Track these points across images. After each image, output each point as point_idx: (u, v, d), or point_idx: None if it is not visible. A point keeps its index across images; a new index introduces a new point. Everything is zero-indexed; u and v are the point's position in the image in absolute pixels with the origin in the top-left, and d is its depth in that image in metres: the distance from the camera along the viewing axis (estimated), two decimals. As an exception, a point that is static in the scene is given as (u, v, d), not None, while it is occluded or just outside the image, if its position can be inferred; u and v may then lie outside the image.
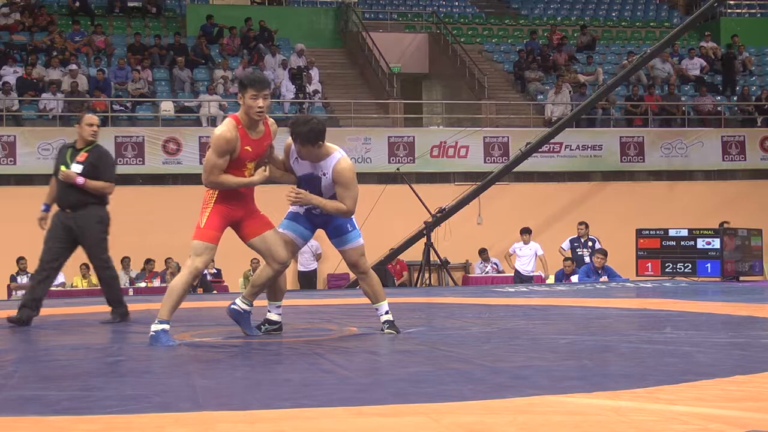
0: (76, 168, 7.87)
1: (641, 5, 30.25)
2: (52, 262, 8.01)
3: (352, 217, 6.67)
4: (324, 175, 6.37)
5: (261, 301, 6.87)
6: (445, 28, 25.89)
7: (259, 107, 6.08)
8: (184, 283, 6.19)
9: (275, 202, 7.38)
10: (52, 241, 8.00)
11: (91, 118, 8.04)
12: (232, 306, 6.58)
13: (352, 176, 6.40)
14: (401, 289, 16.08)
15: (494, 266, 18.81)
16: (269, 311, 6.79)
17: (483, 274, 18.74)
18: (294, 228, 6.63)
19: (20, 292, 17.01)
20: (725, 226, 16.03)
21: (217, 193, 6.20)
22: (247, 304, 6.58)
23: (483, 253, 18.83)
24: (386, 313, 6.71)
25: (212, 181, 6.15)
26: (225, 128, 6.10)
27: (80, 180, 7.83)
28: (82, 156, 7.94)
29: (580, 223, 16.62)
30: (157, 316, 6.17)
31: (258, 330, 6.67)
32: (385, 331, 6.64)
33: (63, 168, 7.88)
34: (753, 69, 25.99)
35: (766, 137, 22.60)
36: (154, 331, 6.12)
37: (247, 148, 6.16)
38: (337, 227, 6.66)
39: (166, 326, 6.14)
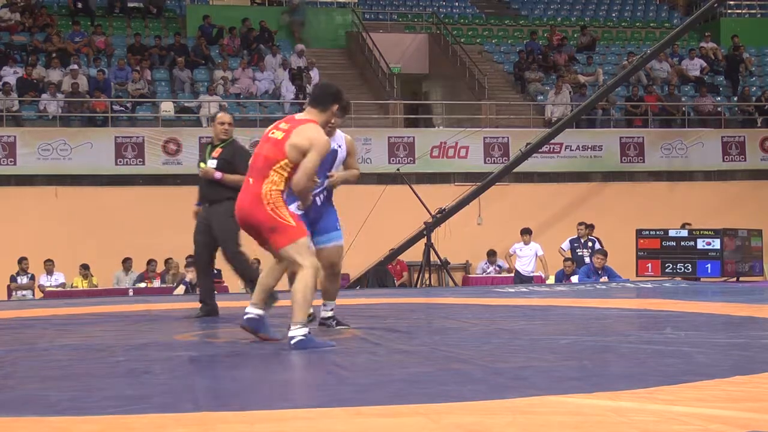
0: (212, 164, 8.24)
1: (641, 6, 30.24)
2: (200, 255, 8.44)
3: (337, 217, 6.92)
4: (339, 147, 6.80)
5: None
6: (445, 28, 25.88)
7: (332, 123, 6.53)
8: (313, 283, 5.93)
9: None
10: (197, 235, 8.42)
11: (222, 116, 8.43)
12: (246, 316, 6.26)
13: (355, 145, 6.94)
14: (401, 289, 16.08)
15: (497, 268, 18.82)
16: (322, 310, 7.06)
17: (483, 274, 18.75)
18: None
19: (21, 293, 17.03)
20: (687, 227, 16.07)
21: (280, 192, 5.96)
22: (260, 308, 6.29)
23: (492, 255, 18.83)
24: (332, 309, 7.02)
25: (309, 186, 6.06)
26: (323, 132, 6.06)
27: (218, 175, 8.18)
28: (217, 152, 8.31)
29: (580, 224, 16.63)
30: (292, 321, 5.89)
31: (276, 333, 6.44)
32: (336, 327, 6.94)
33: (202, 165, 8.34)
34: (753, 69, 25.98)
35: (766, 138, 22.59)
36: (297, 340, 5.81)
37: None
38: (326, 225, 6.84)
39: (306, 330, 5.88)
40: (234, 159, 8.20)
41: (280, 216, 5.90)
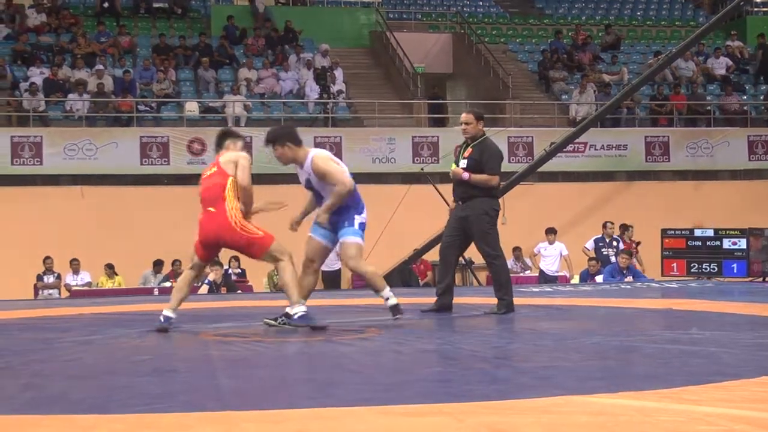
0: (463, 164, 8.33)
1: (666, 4, 30.08)
2: (445, 250, 8.58)
3: (354, 215, 7.08)
4: (310, 174, 7.13)
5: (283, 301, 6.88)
6: (469, 27, 25.85)
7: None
8: (294, 271, 7.07)
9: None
10: (447, 229, 8.58)
11: (463, 116, 8.45)
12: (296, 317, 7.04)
13: (324, 164, 7.07)
14: (425, 288, 16.04)
15: (523, 265, 18.76)
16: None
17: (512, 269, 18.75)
18: (321, 232, 7.23)
19: (47, 291, 17.14)
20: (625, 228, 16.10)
21: (240, 210, 7.12)
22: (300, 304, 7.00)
23: (516, 250, 18.77)
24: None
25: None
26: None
27: (465, 175, 8.26)
28: (467, 152, 8.40)
29: (611, 223, 16.56)
30: (291, 303, 6.95)
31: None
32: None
33: (453, 166, 8.43)
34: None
35: (792, 136, 22.43)
36: (297, 317, 6.88)
37: None
38: (341, 225, 7.12)
39: (304, 308, 6.94)
40: (482, 158, 8.30)
41: (249, 232, 7.01)
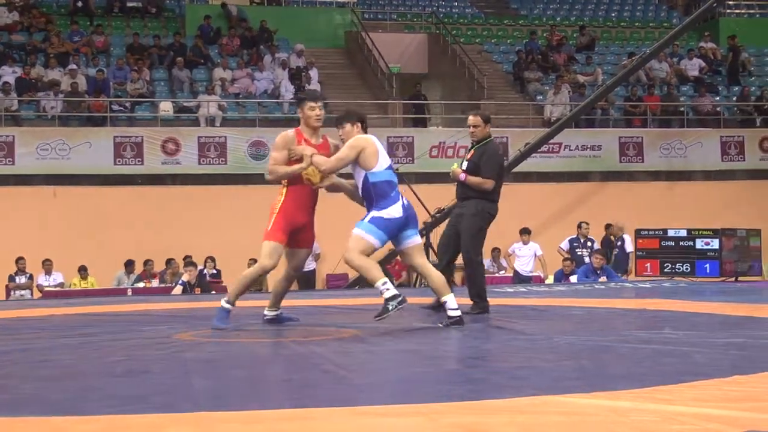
0: (465, 165, 8.40)
1: (640, 6, 30.22)
2: (442, 247, 8.67)
3: (371, 210, 6.92)
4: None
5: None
6: (444, 28, 25.88)
7: (317, 115, 7.04)
8: (252, 275, 7.06)
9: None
10: (447, 226, 8.76)
11: (471, 119, 8.45)
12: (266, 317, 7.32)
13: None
14: (400, 289, 16.03)
15: (498, 266, 18.80)
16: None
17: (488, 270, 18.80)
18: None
19: (19, 292, 17.02)
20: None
21: (283, 200, 7.00)
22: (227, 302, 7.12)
23: (494, 251, 18.79)
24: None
25: (273, 172, 7.01)
26: (283, 132, 7.15)
27: (462, 176, 8.33)
28: (470, 153, 8.46)
29: (586, 223, 16.58)
30: (226, 296, 7.16)
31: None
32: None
33: (454, 166, 8.50)
34: (752, 69, 26.00)
35: (765, 137, 22.59)
36: (220, 308, 7.06)
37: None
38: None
39: (230, 306, 7.05)
40: (480, 161, 8.31)
41: (269, 219, 6.98)
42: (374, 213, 6.89)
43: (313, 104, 7.07)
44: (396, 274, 18.31)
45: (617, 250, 16.13)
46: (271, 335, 6.95)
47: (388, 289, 6.82)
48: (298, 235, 7.07)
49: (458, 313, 6.92)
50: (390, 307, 6.75)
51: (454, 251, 8.60)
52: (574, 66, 24.59)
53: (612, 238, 16.50)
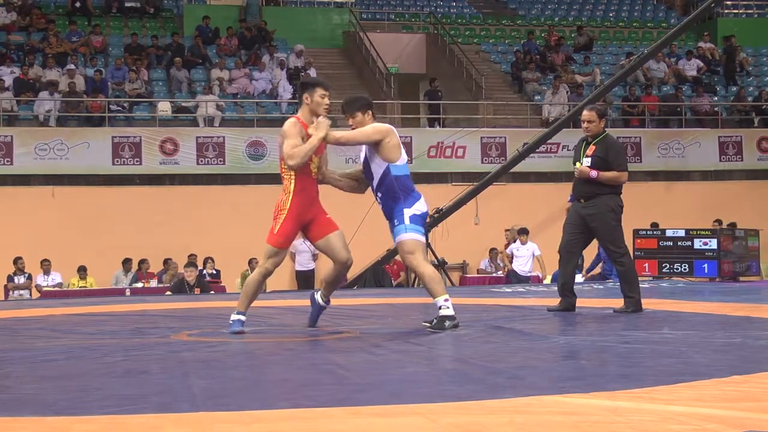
0: (587, 162, 8.16)
1: (638, 6, 30.25)
2: (568, 246, 8.40)
3: (403, 209, 6.71)
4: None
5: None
6: (442, 28, 25.89)
7: (327, 104, 6.73)
8: (255, 281, 6.81)
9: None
10: (568, 227, 8.46)
11: (585, 114, 8.26)
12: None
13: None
14: (399, 289, 16.08)
15: (495, 267, 18.85)
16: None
17: (486, 270, 18.86)
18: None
19: (18, 292, 17.02)
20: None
21: (291, 199, 6.67)
22: (239, 314, 6.84)
23: (492, 251, 18.85)
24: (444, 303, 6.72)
25: (296, 154, 6.55)
26: (290, 120, 6.74)
27: (593, 173, 8.12)
28: (590, 149, 8.21)
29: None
30: (236, 308, 6.86)
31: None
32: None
33: (577, 164, 8.25)
34: (750, 69, 26.02)
35: (763, 137, 22.62)
36: (231, 321, 6.81)
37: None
38: (392, 222, 6.79)
39: (242, 317, 6.79)
40: (607, 155, 8.16)
41: (275, 219, 6.70)
42: (408, 211, 6.68)
43: (324, 92, 6.72)
44: (395, 274, 18.33)
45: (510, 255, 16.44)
46: (269, 335, 6.94)
47: (447, 308, 6.64)
48: (315, 226, 6.78)
49: (447, 312, 6.67)
50: (446, 325, 6.58)
51: (580, 253, 8.59)
52: (572, 66, 24.61)
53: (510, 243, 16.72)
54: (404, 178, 6.77)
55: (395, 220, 6.71)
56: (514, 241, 17.44)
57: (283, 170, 6.71)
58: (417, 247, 6.66)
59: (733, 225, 17.28)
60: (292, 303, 9.84)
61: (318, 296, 7.08)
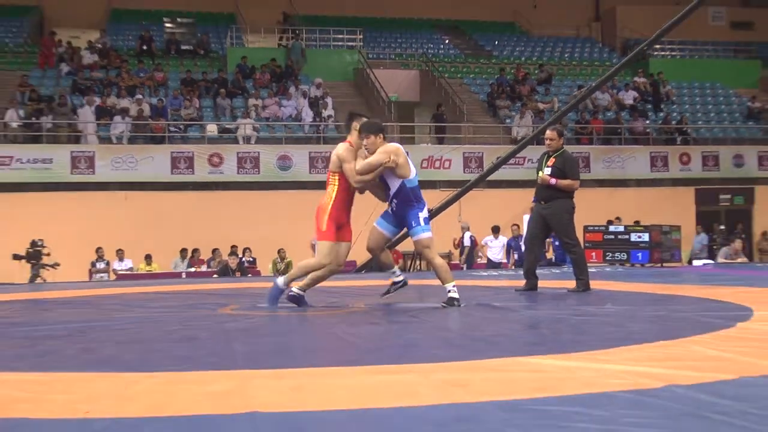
0: (548, 171, 8.17)
1: (587, 48, 30.27)
2: (532, 238, 8.37)
3: (418, 214, 6.69)
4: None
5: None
6: (432, 65, 25.88)
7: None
8: (312, 265, 6.62)
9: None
10: (531, 223, 8.44)
11: (548, 133, 8.28)
12: (290, 293, 6.78)
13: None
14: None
15: (494, 241, 18.35)
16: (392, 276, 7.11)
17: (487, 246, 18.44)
18: (384, 225, 6.85)
19: (99, 275, 17.04)
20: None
21: (333, 202, 6.57)
22: (301, 290, 6.78)
23: (496, 231, 18.59)
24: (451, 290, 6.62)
25: (363, 174, 6.51)
26: (344, 145, 6.63)
27: (552, 181, 8.13)
28: (551, 161, 8.21)
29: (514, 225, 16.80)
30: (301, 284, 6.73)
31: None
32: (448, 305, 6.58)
33: (540, 173, 8.24)
34: (674, 99, 26.06)
35: (683, 153, 22.65)
36: (272, 288, 6.74)
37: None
38: (407, 224, 6.74)
39: (282, 287, 6.68)
40: (564, 167, 8.16)
41: (320, 219, 6.56)
42: (421, 213, 6.70)
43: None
44: (394, 261, 18.28)
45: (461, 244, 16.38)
46: (294, 310, 6.95)
47: (455, 292, 6.62)
48: (339, 231, 6.67)
49: (454, 295, 6.61)
50: (455, 304, 6.54)
51: (542, 244, 8.51)
52: (536, 96, 24.57)
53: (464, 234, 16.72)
54: (416, 189, 6.77)
55: (412, 222, 6.68)
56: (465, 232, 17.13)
57: (329, 180, 6.63)
58: (431, 243, 6.72)
59: (636, 222, 17.19)
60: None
61: (281, 280, 6.75)
